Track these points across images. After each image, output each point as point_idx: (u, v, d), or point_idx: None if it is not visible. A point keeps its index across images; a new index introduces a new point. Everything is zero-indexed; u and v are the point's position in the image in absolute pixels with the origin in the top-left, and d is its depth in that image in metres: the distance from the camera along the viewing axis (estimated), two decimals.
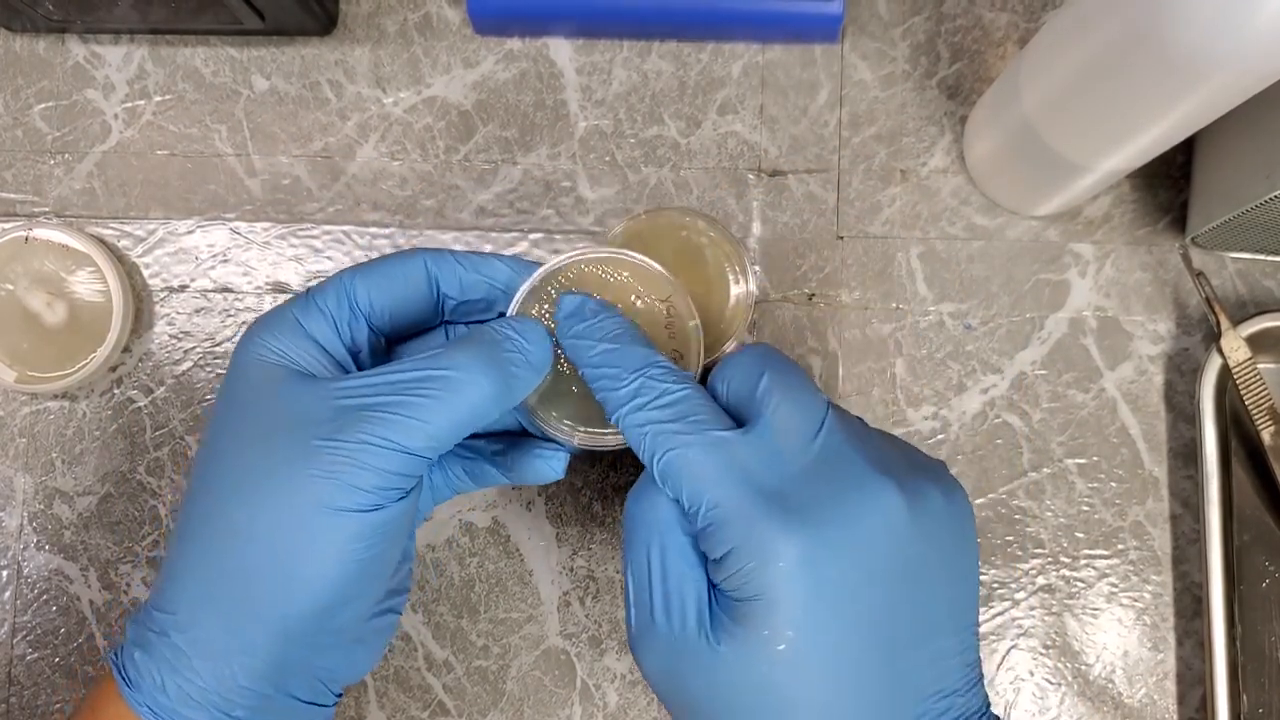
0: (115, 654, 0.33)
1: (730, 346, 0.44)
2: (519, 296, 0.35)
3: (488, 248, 0.47)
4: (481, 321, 0.37)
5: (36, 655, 0.46)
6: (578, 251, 0.36)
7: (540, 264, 0.36)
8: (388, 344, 0.37)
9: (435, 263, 0.35)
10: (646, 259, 0.37)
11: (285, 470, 0.31)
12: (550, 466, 0.37)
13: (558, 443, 0.36)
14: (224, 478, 0.32)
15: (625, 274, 0.37)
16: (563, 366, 0.36)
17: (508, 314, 0.35)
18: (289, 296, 0.35)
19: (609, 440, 0.36)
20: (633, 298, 0.37)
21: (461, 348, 0.32)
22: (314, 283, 0.35)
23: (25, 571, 0.46)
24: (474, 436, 0.38)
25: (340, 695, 0.35)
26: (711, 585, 0.31)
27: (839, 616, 0.29)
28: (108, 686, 0.33)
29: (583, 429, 0.36)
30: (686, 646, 0.30)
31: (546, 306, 0.36)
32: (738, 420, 0.32)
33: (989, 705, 0.32)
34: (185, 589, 0.32)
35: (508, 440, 0.38)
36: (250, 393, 0.33)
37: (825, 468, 0.31)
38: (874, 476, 0.30)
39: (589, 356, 0.33)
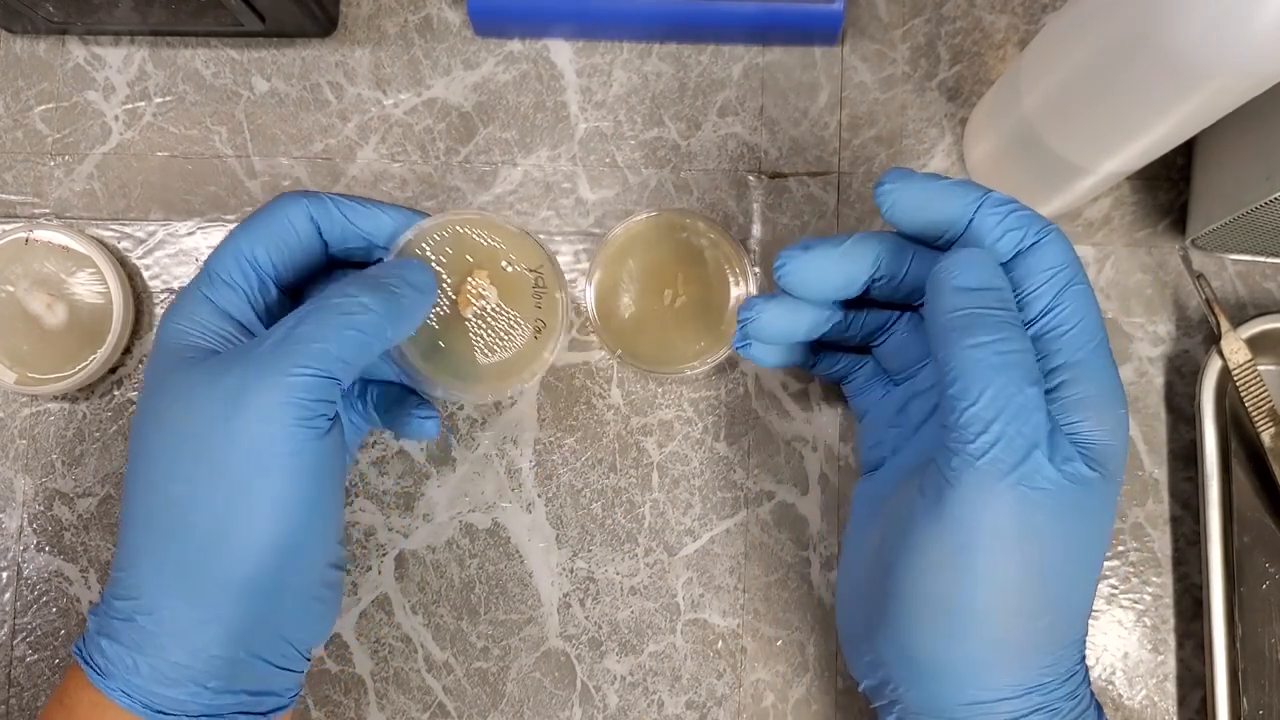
0: (79, 647, 0.34)
1: (726, 350, 0.44)
2: (392, 253, 0.38)
3: None
4: (368, 263, 0.39)
5: (36, 657, 0.46)
6: (454, 212, 0.39)
7: (425, 214, 0.38)
8: (292, 295, 0.38)
9: (316, 209, 0.37)
10: (523, 229, 0.39)
11: (210, 432, 0.32)
12: (426, 427, 0.40)
13: (432, 394, 0.40)
14: (156, 457, 0.33)
15: (499, 240, 0.39)
16: (433, 323, 0.39)
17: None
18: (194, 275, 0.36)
19: (478, 391, 0.39)
20: (503, 263, 0.39)
21: (350, 280, 0.34)
22: (209, 255, 0.36)
23: (25, 573, 0.46)
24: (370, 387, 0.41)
25: (309, 660, 0.36)
26: None
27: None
28: (75, 681, 0.33)
29: (458, 382, 0.39)
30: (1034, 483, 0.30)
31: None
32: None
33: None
34: (141, 572, 0.33)
35: (395, 398, 0.41)
36: (168, 374, 0.34)
37: None
38: None
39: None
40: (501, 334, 0.39)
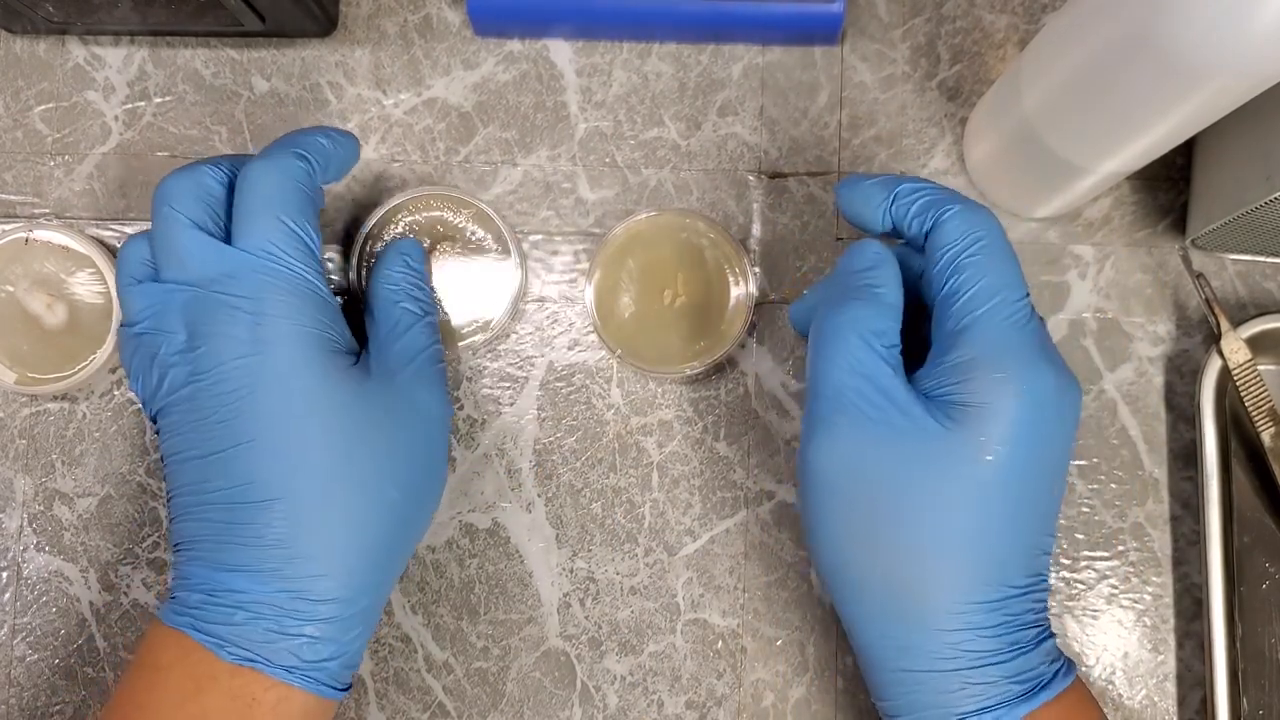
0: (195, 626, 0.35)
1: (725, 350, 0.44)
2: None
3: None
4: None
5: (36, 657, 0.46)
6: (426, 189, 0.45)
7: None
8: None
9: (308, 165, 0.38)
10: (483, 206, 0.45)
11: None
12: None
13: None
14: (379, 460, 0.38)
15: (465, 215, 0.46)
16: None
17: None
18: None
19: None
20: (469, 233, 0.45)
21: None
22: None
23: (25, 573, 0.46)
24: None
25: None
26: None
27: (1035, 456, 0.34)
28: (162, 645, 0.36)
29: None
30: (894, 431, 0.34)
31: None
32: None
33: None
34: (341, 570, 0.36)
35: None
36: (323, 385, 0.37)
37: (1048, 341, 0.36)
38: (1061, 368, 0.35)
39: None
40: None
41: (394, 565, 0.39)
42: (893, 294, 0.36)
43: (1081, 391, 0.36)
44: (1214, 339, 0.43)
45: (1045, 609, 0.36)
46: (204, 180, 0.37)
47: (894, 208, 0.37)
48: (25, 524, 0.46)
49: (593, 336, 0.46)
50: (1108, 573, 0.45)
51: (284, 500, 0.35)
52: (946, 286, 0.35)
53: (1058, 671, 0.35)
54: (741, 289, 0.44)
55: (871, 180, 0.37)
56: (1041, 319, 0.36)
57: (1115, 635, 0.45)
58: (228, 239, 0.37)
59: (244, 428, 0.35)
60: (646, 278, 0.44)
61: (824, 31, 0.46)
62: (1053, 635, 0.36)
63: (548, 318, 0.46)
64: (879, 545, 0.34)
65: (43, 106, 0.48)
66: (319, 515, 0.35)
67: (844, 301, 0.36)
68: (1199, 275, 0.44)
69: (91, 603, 0.46)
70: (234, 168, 0.38)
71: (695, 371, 0.44)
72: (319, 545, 0.35)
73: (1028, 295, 0.35)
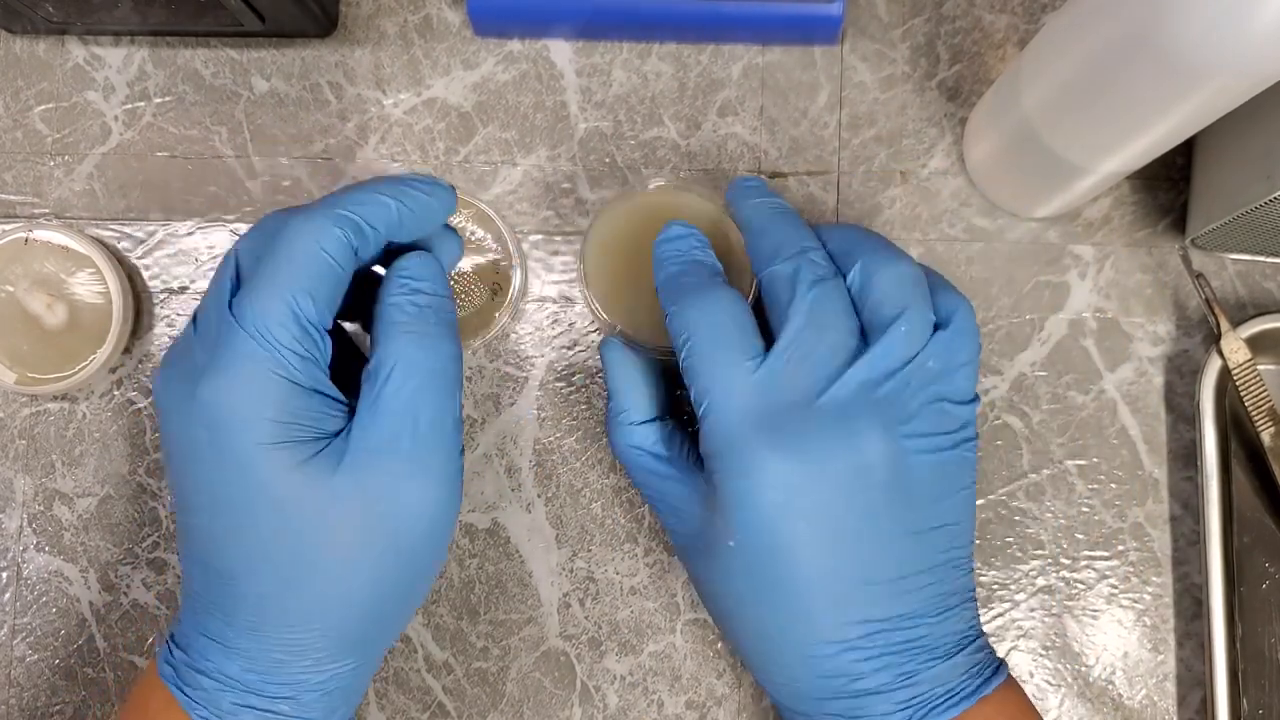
0: (170, 669, 0.35)
1: None
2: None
3: None
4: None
5: (36, 657, 0.46)
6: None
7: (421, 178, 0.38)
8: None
9: (354, 234, 0.33)
10: (484, 207, 0.44)
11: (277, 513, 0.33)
12: (449, 245, 0.39)
13: None
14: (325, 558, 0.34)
15: (466, 213, 0.44)
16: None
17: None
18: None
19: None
20: (470, 233, 0.44)
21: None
22: (249, 308, 0.32)
23: (25, 573, 0.46)
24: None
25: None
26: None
27: (785, 535, 0.33)
28: (153, 689, 0.35)
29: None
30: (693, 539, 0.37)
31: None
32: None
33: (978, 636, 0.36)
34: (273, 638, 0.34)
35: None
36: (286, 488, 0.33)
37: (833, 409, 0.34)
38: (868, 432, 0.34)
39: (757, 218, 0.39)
40: (461, 295, 0.44)
41: (373, 651, 0.36)
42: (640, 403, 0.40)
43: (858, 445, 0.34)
44: (1214, 339, 0.43)
45: (937, 627, 0.35)
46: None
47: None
48: (25, 524, 0.46)
49: (594, 336, 0.46)
50: (1108, 573, 0.45)
51: (246, 580, 0.33)
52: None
53: (959, 692, 0.34)
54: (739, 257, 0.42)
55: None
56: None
57: (1115, 635, 0.45)
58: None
59: (202, 502, 0.33)
60: (644, 251, 0.41)
61: (824, 31, 0.46)
62: (971, 645, 0.36)
63: (548, 318, 0.46)
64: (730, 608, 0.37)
65: (43, 106, 0.48)
66: (282, 603, 0.33)
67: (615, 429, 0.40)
68: (1199, 275, 0.44)
69: (91, 603, 0.46)
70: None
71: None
72: (285, 631, 0.33)
73: (760, 356, 0.35)
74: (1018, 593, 0.45)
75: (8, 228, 0.46)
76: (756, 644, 0.36)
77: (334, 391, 0.33)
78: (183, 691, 0.34)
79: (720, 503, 0.34)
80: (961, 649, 0.35)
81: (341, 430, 0.33)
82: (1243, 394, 0.43)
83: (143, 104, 0.48)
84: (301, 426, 0.32)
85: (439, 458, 0.34)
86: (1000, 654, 0.45)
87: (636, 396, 0.39)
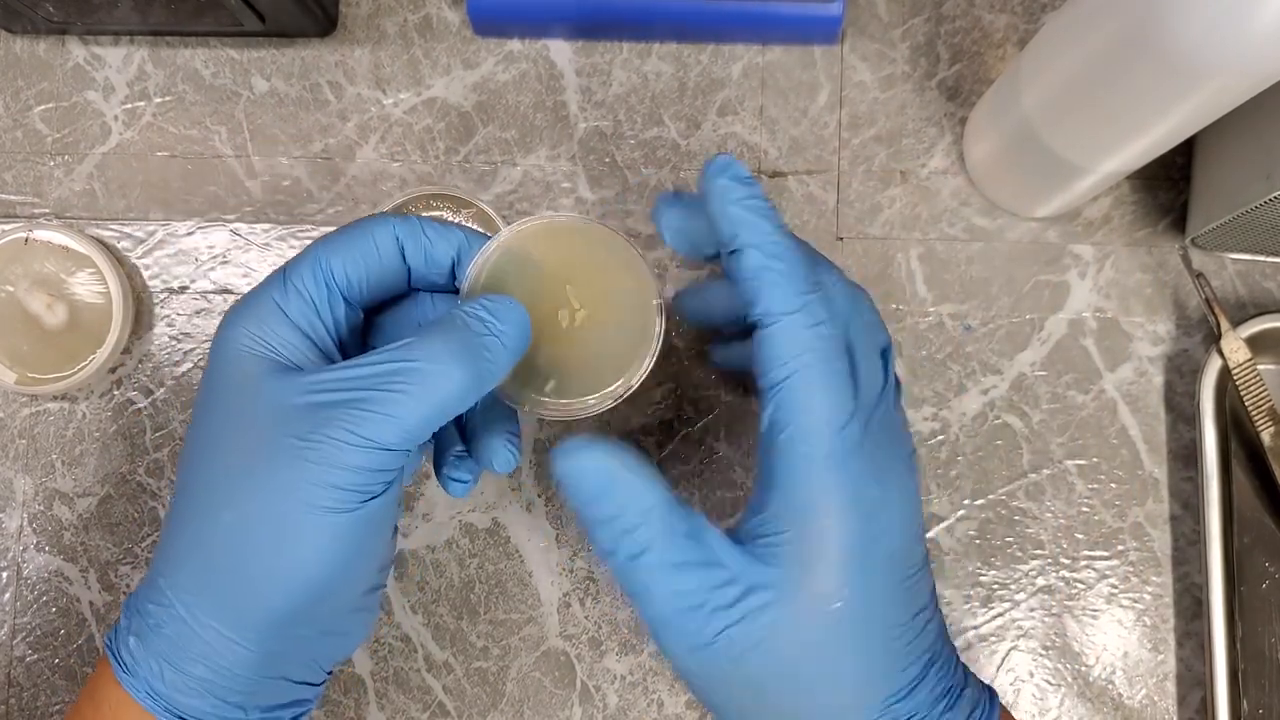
0: (110, 639, 0.33)
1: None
2: (471, 272, 0.34)
3: None
4: (448, 290, 0.36)
5: (36, 657, 0.46)
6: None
7: (489, 235, 0.35)
8: (366, 315, 0.36)
9: (404, 231, 0.35)
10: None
11: (265, 469, 0.31)
12: (452, 489, 0.36)
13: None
14: (208, 475, 0.32)
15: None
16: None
17: (462, 289, 0.35)
18: (265, 277, 0.34)
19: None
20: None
21: (433, 336, 0.32)
22: (286, 262, 0.34)
23: (25, 573, 0.46)
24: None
25: (330, 673, 0.36)
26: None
27: (877, 575, 0.31)
28: (105, 671, 0.33)
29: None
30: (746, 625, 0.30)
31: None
32: None
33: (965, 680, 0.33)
34: (179, 583, 0.32)
35: (440, 436, 0.37)
36: (231, 387, 0.33)
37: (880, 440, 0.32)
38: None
39: (760, 234, 0.32)
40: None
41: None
42: (653, 503, 0.31)
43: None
44: (1214, 339, 0.43)
45: (947, 680, 0.33)
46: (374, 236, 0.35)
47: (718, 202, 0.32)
48: (25, 524, 0.46)
49: None
50: (1108, 572, 0.45)
51: (191, 482, 0.33)
52: (770, 410, 0.31)
53: None
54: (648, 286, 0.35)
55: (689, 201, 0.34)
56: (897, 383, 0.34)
57: (1115, 635, 0.45)
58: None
59: (196, 409, 0.34)
60: (535, 302, 0.34)
61: (824, 31, 0.46)
62: (966, 691, 0.33)
63: None
64: None
65: (43, 106, 0.48)
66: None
67: (642, 550, 0.31)
68: (1199, 275, 0.44)
69: (91, 603, 0.46)
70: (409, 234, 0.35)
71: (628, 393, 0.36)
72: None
73: (853, 411, 0.31)
74: (1018, 593, 0.45)
75: (8, 228, 0.46)
76: None
77: (322, 341, 0.34)
78: (118, 659, 0.33)
79: (824, 564, 0.30)
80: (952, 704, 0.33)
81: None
82: (1243, 394, 0.43)
83: (143, 104, 0.48)
84: (273, 349, 0.33)
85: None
86: (1000, 654, 0.45)
87: (656, 524, 0.32)
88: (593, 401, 0.35)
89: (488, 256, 0.35)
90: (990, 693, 0.34)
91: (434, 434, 0.36)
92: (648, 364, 0.35)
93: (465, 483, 0.36)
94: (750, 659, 0.30)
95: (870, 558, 0.31)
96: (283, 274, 0.34)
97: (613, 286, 0.35)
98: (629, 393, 0.35)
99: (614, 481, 0.31)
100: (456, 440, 0.37)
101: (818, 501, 0.30)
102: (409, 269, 0.35)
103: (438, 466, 0.37)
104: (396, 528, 0.36)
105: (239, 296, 0.37)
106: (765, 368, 0.31)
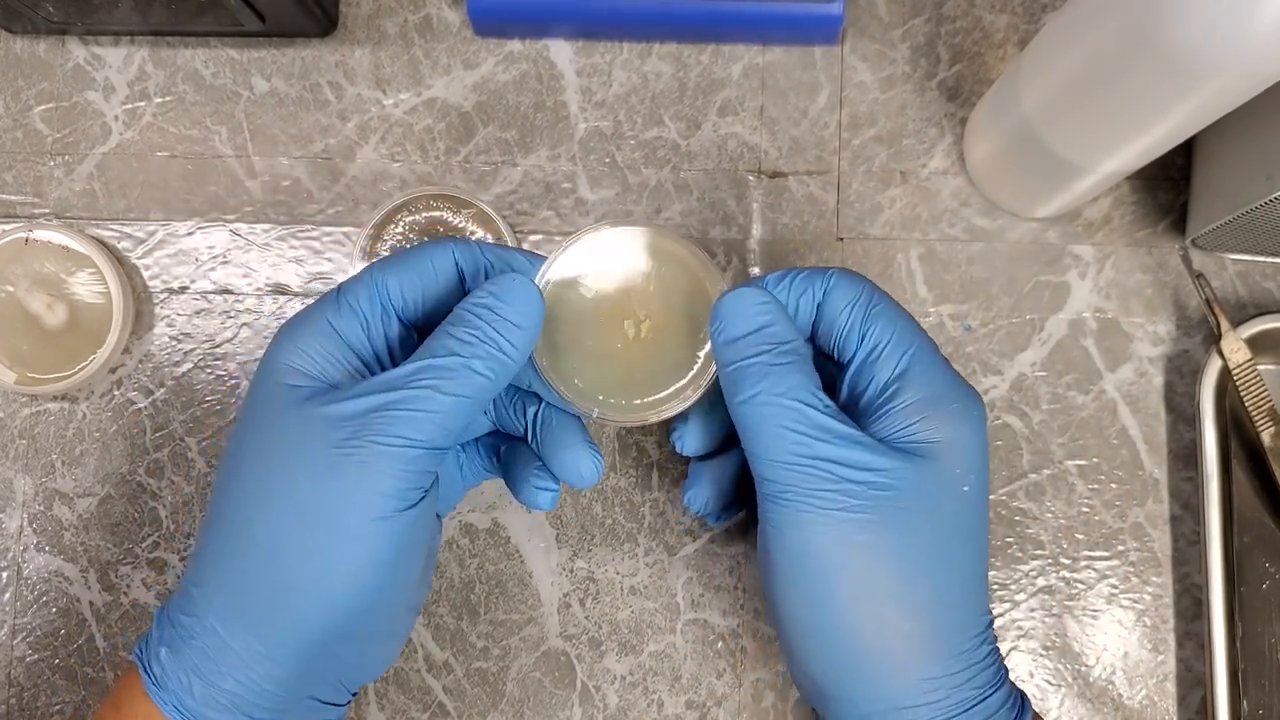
0: (140, 650, 0.33)
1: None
2: (541, 275, 0.35)
3: None
4: None
5: (36, 657, 0.46)
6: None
7: (545, 257, 0.36)
8: (420, 335, 0.36)
9: (463, 254, 0.35)
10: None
11: (308, 484, 0.31)
12: (541, 498, 0.37)
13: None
14: (248, 491, 0.32)
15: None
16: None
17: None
18: (321, 294, 0.34)
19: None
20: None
21: (446, 331, 0.33)
22: (345, 279, 0.35)
23: (25, 573, 0.46)
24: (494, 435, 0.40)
25: (355, 694, 0.36)
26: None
27: (986, 478, 0.34)
28: (133, 680, 0.33)
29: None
30: (859, 500, 0.32)
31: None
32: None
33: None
34: (213, 597, 0.32)
35: (519, 457, 0.38)
36: (274, 405, 0.33)
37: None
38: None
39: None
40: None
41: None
42: (801, 343, 0.34)
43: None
44: (1214, 339, 0.43)
45: (996, 659, 0.34)
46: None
47: (779, 294, 0.35)
48: (25, 524, 0.46)
49: None
50: (1108, 573, 0.45)
51: (223, 499, 0.33)
52: (867, 339, 0.34)
53: None
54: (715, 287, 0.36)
55: (744, 291, 0.34)
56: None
57: (1115, 635, 0.45)
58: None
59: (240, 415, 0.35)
60: (598, 315, 0.36)
61: (824, 31, 0.46)
62: (1004, 679, 0.34)
63: None
64: (844, 634, 0.32)
65: (43, 106, 0.48)
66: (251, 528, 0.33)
67: (759, 378, 0.32)
68: (1199, 275, 0.44)
69: (91, 603, 0.46)
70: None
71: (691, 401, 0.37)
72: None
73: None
74: (1018, 593, 0.45)
75: (8, 228, 0.46)
76: (882, 657, 0.33)
77: (369, 359, 0.34)
78: (149, 671, 0.33)
79: (954, 447, 0.33)
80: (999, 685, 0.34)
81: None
82: (1243, 394, 0.43)
83: (143, 104, 0.48)
84: (319, 367, 0.33)
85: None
86: (1000, 654, 0.45)
87: (805, 350, 0.34)
88: (667, 404, 0.36)
89: (545, 278, 0.36)
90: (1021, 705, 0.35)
91: (506, 459, 0.38)
92: (713, 369, 0.35)
93: (553, 491, 0.37)
94: (863, 534, 0.32)
95: (985, 454, 0.34)
96: (337, 292, 0.34)
97: (674, 288, 0.36)
98: (700, 393, 0.36)
99: (779, 311, 0.34)
100: (533, 459, 0.38)
101: (942, 390, 0.33)
102: (466, 292, 0.35)
103: (517, 487, 0.38)
104: (435, 552, 0.36)
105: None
106: (846, 299, 0.35)
